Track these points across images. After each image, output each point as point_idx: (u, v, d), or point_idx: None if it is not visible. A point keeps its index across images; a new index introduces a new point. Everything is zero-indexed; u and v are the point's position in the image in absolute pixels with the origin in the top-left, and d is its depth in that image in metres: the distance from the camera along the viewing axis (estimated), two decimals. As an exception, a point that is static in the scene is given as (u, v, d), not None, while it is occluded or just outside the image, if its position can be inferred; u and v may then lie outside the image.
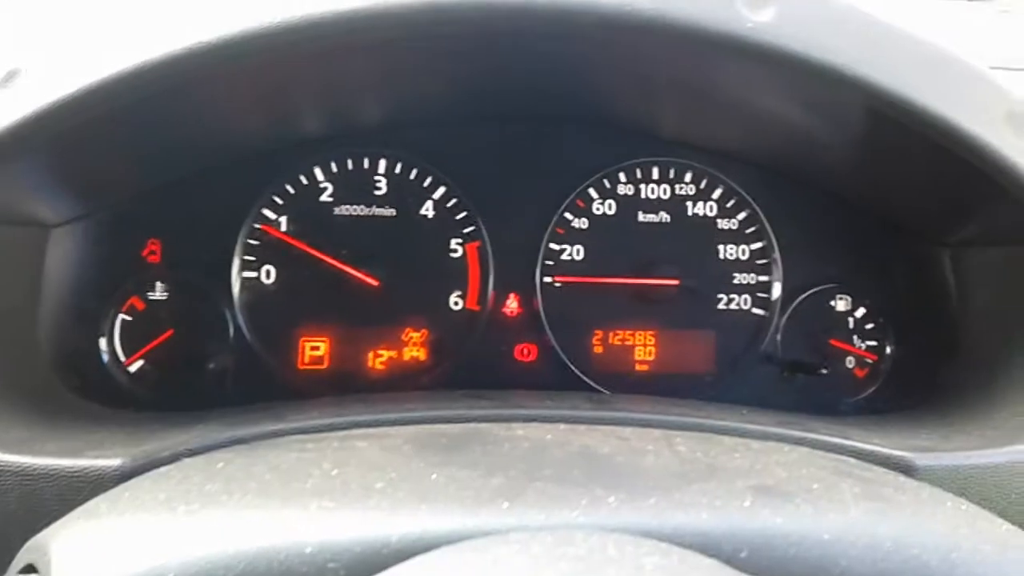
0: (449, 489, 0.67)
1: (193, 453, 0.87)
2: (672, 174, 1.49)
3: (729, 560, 0.61)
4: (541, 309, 1.44)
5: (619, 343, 1.46)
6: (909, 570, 0.63)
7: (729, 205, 1.49)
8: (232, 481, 0.69)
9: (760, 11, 0.92)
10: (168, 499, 0.67)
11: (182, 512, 0.64)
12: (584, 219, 1.47)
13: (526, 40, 1.08)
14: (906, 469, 0.95)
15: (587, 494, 0.66)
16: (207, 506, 0.65)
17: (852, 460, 0.88)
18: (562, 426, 0.89)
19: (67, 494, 0.86)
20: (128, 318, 1.34)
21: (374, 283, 1.40)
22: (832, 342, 1.47)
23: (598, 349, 1.46)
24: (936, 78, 0.97)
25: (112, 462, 0.87)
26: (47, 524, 0.70)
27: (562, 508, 0.64)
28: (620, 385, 1.43)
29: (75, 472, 0.87)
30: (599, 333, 1.46)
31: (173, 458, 0.86)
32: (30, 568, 0.64)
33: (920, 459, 0.97)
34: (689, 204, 1.49)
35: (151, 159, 1.24)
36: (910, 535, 0.66)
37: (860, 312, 1.48)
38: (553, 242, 1.46)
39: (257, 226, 1.39)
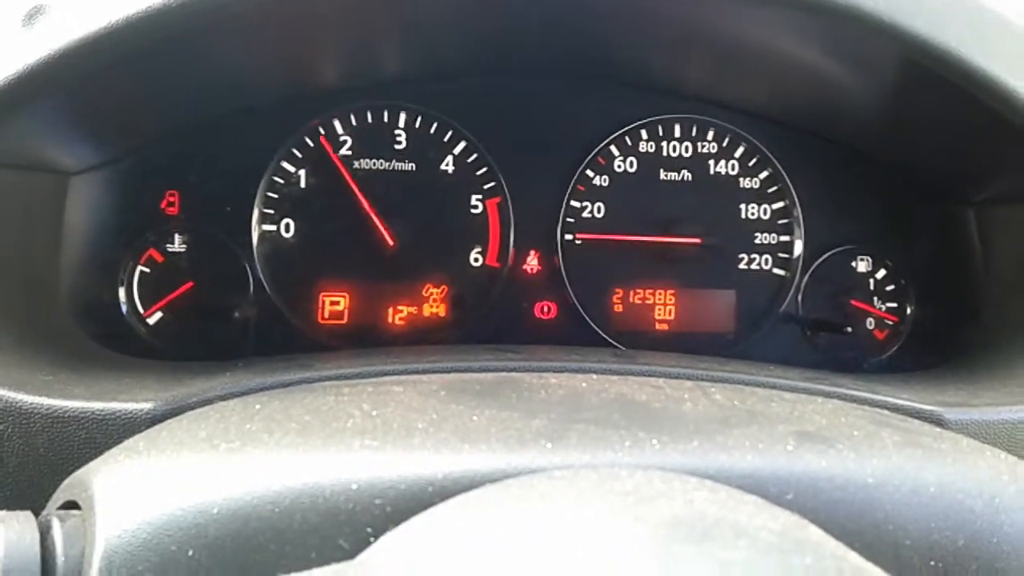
0: (491, 430, 0.66)
1: (224, 399, 0.86)
2: (694, 132, 1.47)
3: (775, 502, 0.60)
4: (562, 266, 1.44)
5: (639, 301, 1.46)
6: (953, 514, 0.63)
7: (751, 164, 1.47)
8: (271, 421, 0.69)
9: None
10: (208, 437, 0.66)
11: (224, 450, 0.64)
12: (605, 176, 1.46)
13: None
14: (936, 423, 0.95)
15: (629, 436, 0.66)
16: (248, 444, 0.64)
17: (887, 412, 0.88)
18: (594, 376, 0.88)
19: (97, 437, 0.86)
20: (146, 270, 1.33)
21: (393, 239, 1.39)
22: (853, 303, 1.47)
23: (618, 307, 1.46)
24: (973, 29, 0.96)
25: (142, 406, 0.87)
26: (76, 467, 0.69)
27: (605, 449, 0.64)
28: (640, 343, 1.43)
29: (105, 415, 0.86)
30: (619, 291, 1.46)
31: (203, 403, 0.86)
32: (71, 504, 0.64)
33: (950, 413, 0.97)
34: (711, 162, 1.47)
35: (171, 105, 1.23)
36: (953, 480, 0.65)
37: (881, 273, 1.47)
38: (574, 199, 1.45)
39: (276, 179, 1.38)
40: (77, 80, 0.92)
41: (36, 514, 0.62)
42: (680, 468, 0.62)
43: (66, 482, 0.67)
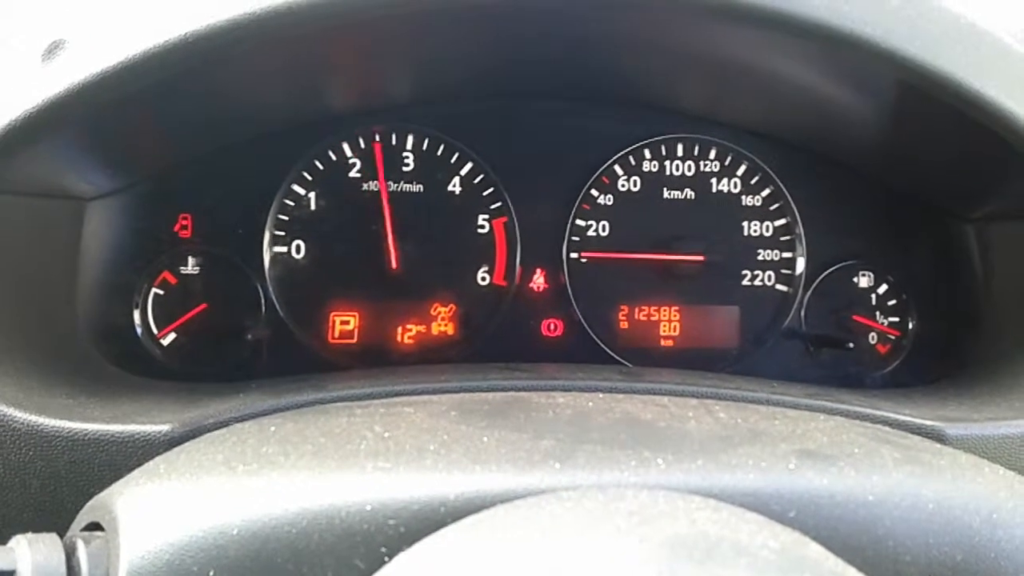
0: (501, 451, 0.68)
1: (239, 420, 0.89)
2: (697, 151, 1.49)
3: (778, 520, 0.62)
4: (568, 284, 1.46)
5: (644, 318, 1.48)
6: (952, 530, 0.65)
7: (753, 182, 1.49)
8: (287, 443, 0.71)
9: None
10: (226, 460, 0.68)
11: (241, 472, 0.66)
12: (610, 195, 1.48)
13: (554, 15, 1.08)
14: (937, 438, 0.96)
15: (635, 456, 0.68)
16: (265, 466, 0.66)
17: (887, 428, 0.89)
18: (601, 395, 0.90)
19: (116, 459, 0.88)
20: (160, 292, 1.35)
21: (402, 259, 1.41)
22: (855, 318, 1.48)
23: (624, 324, 1.47)
24: (970, 53, 0.98)
25: (160, 428, 0.89)
26: (98, 488, 0.71)
27: (612, 469, 0.66)
28: (645, 359, 1.45)
29: (124, 438, 0.88)
30: (625, 308, 1.48)
31: (220, 425, 0.87)
32: (94, 526, 0.66)
33: (951, 428, 0.98)
34: (714, 181, 1.49)
35: (185, 133, 1.25)
36: (952, 497, 0.67)
37: (883, 288, 1.49)
38: (579, 218, 1.47)
39: (287, 201, 1.40)
40: (95, 113, 0.94)
41: (60, 535, 0.64)
42: (684, 487, 0.64)
43: (89, 504, 0.69)
